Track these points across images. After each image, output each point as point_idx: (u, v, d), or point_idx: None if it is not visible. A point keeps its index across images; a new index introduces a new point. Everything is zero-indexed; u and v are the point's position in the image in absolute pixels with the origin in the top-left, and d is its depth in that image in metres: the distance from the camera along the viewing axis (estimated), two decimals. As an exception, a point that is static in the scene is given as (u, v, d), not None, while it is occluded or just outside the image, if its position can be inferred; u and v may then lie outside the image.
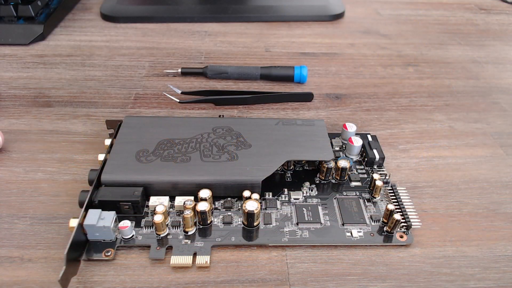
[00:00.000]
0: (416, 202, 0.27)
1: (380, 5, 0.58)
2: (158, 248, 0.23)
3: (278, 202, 0.26)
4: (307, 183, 0.27)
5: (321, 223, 0.25)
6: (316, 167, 0.29)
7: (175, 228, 0.24)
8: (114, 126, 0.29)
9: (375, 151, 0.29)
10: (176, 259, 0.22)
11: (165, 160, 0.26)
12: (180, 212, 0.25)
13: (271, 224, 0.24)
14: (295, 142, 0.28)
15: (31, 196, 0.26)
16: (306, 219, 0.25)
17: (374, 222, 0.25)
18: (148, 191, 0.25)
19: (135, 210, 0.24)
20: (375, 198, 0.26)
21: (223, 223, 0.24)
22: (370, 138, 0.30)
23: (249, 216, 0.23)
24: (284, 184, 0.27)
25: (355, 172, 0.28)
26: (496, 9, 0.58)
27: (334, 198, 0.26)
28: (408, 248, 0.24)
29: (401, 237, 0.24)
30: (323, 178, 0.27)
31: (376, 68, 0.42)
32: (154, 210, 0.24)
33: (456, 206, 0.27)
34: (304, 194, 0.27)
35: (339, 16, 0.52)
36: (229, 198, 0.26)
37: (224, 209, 0.25)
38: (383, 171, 0.29)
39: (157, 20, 0.49)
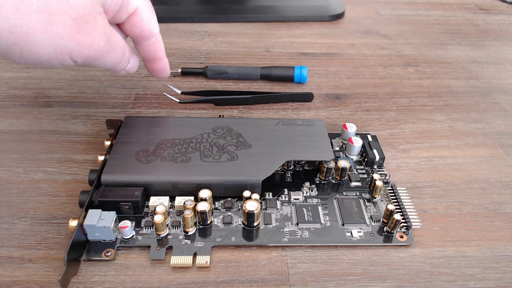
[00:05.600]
0: (416, 202, 0.27)
1: (380, 5, 0.58)
2: (158, 248, 0.23)
3: (278, 202, 0.26)
4: (307, 183, 0.27)
5: (321, 223, 0.25)
6: (316, 167, 0.29)
7: (175, 228, 0.24)
8: (114, 126, 0.29)
9: (375, 151, 0.29)
10: (176, 259, 0.22)
11: (165, 160, 0.26)
12: (180, 212, 0.25)
13: (271, 224, 0.24)
14: (295, 142, 0.28)
15: (31, 196, 0.26)
16: (306, 219, 0.25)
17: (374, 222, 0.25)
18: (148, 191, 0.25)
19: (135, 210, 0.24)
20: (375, 198, 0.26)
21: (223, 223, 0.24)
22: (370, 138, 0.30)
23: (249, 216, 0.23)
24: (284, 184, 0.27)
25: (355, 172, 0.28)
26: (496, 9, 0.58)
27: (334, 198, 0.26)
28: (408, 248, 0.24)
29: (401, 237, 0.24)
30: (323, 178, 0.27)
31: (376, 68, 0.42)
32: (154, 210, 0.24)
33: (456, 206, 0.27)
34: (304, 194, 0.27)
35: (339, 16, 0.52)
36: (229, 198, 0.26)
37: (224, 209, 0.25)
38: (383, 171, 0.29)
39: (157, 20, 0.49)
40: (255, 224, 0.24)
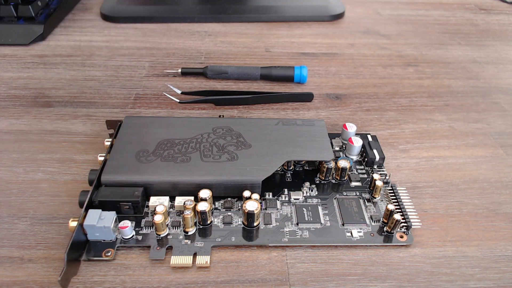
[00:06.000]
0: (416, 202, 0.27)
1: (380, 5, 0.58)
2: (158, 248, 0.23)
3: (278, 202, 0.26)
4: (307, 183, 0.27)
5: (321, 223, 0.25)
6: (316, 167, 0.29)
7: (175, 228, 0.24)
8: (114, 126, 0.29)
9: (375, 151, 0.29)
10: (176, 259, 0.22)
11: (165, 160, 0.26)
12: (180, 212, 0.25)
13: (271, 224, 0.24)
14: (295, 142, 0.28)
15: (31, 196, 0.26)
16: (306, 219, 0.25)
17: (374, 222, 0.25)
18: (148, 191, 0.25)
19: (135, 210, 0.24)
20: (375, 198, 0.26)
21: (223, 223, 0.24)
22: (370, 138, 0.30)
23: (249, 216, 0.23)
24: (284, 184, 0.27)
25: (355, 172, 0.28)
26: (496, 9, 0.58)
27: (334, 198, 0.26)
28: (408, 248, 0.24)
29: (401, 237, 0.24)
30: (323, 178, 0.27)
31: (376, 68, 0.42)
32: (154, 210, 0.24)
33: (456, 206, 0.27)
34: (304, 194, 0.27)
35: (339, 16, 0.52)
36: (229, 198, 0.26)
37: (224, 209, 0.25)
38: (383, 171, 0.29)
39: (157, 20, 0.49)
40: (255, 224, 0.24)
